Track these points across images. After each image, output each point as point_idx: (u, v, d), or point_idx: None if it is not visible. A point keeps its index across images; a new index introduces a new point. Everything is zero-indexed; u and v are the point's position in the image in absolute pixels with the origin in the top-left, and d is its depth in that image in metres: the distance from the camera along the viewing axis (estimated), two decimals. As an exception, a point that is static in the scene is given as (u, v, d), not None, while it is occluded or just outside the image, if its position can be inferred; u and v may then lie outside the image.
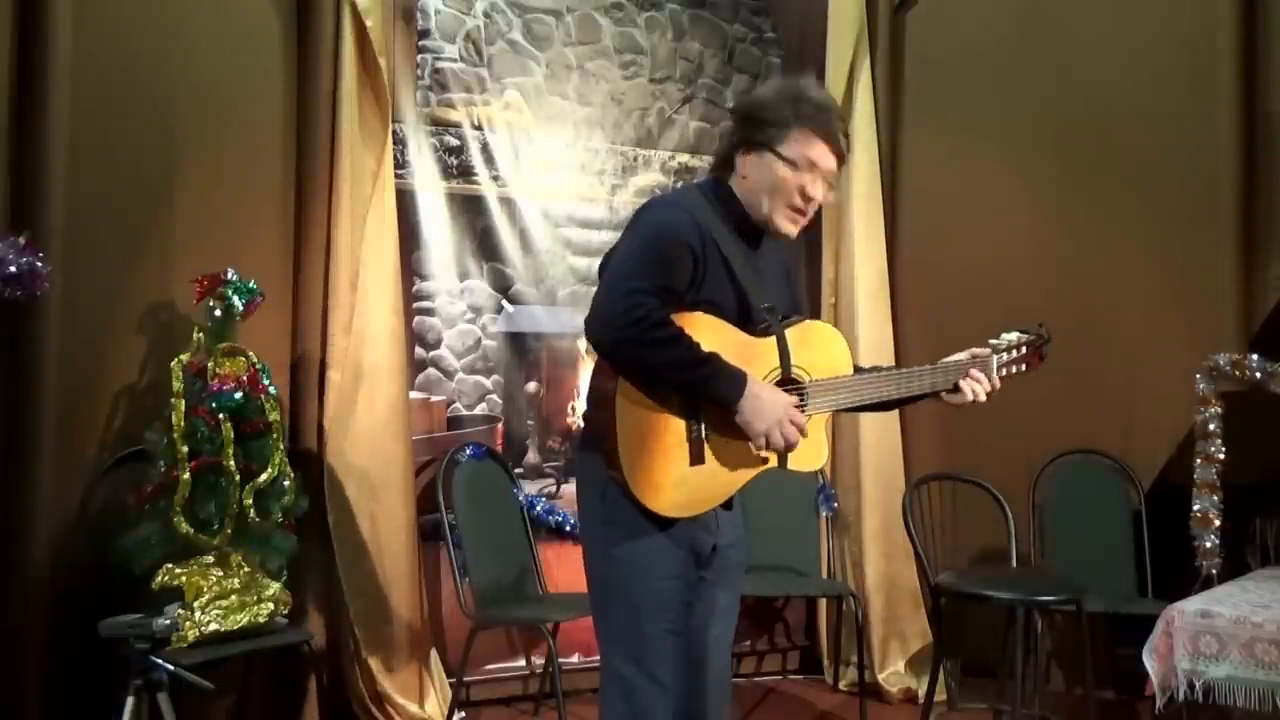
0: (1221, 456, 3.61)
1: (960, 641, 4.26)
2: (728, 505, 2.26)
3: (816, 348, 2.26)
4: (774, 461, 2.20)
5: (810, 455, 2.24)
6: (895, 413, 4.47)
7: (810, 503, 4.40)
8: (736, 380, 2.10)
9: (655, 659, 2.15)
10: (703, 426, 2.13)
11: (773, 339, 2.20)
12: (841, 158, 2.24)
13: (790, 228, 2.23)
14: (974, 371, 2.36)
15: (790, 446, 2.14)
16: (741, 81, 4.66)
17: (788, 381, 2.21)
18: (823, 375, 2.24)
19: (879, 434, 4.44)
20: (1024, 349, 2.46)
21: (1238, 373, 3.60)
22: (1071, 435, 4.17)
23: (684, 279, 2.13)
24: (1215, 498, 3.59)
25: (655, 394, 2.11)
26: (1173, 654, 2.91)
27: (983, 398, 2.36)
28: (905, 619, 4.42)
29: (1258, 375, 3.58)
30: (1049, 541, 4.15)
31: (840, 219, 4.55)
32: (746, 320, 2.19)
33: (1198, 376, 3.67)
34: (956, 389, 2.36)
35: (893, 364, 4.46)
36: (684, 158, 4.53)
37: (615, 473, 2.11)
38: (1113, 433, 4.14)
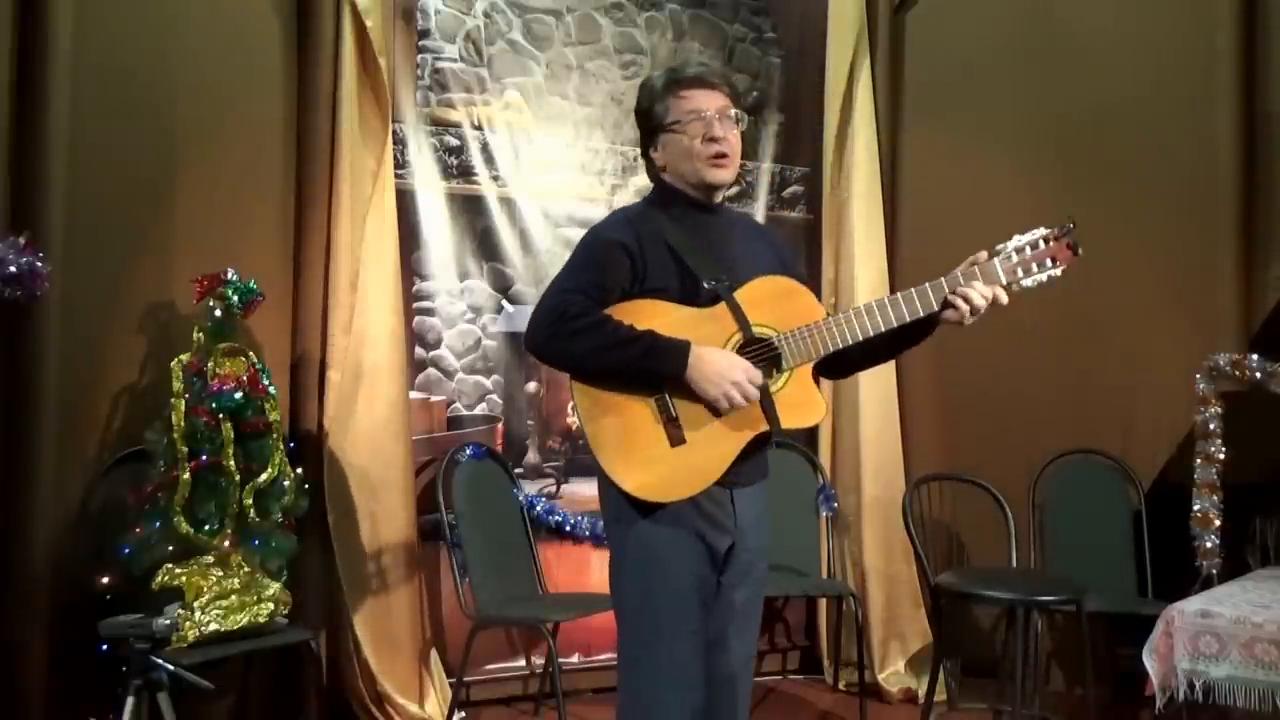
0: (1221, 456, 3.60)
1: (960, 641, 4.27)
2: (738, 483, 2.19)
3: (776, 302, 2.19)
4: (763, 424, 2.13)
5: (805, 412, 2.19)
6: (895, 411, 4.48)
7: (810, 503, 4.40)
8: (676, 350, 2.09)
9: (670, 655, 2.14)
10: (671, 406, 2.12)
11: (723, 306, 2.15)
12: (726, 93, 2.25)
13: (721, 173, 2.24)
14: (968, 282, 2.15)
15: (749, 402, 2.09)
16: (741, 81, 4.65)
17: (753, 342, 2.15)
18: (791, 327, 2.17)
19: (879, 434, 4.44)
20: (1043, 243, 2.20)
21: (1238, 373, 3.60)
22: (1071, 435, 4.17)
23: (619, 276, 2.15)
24: (1215, 498, 3.59)
25: (611, 385, 2.12)
26: (1173, 654, 2.90)
27: (980, 303, 2.14)
28: (905, 619, 4.42)
29: (1258, 375, 3.58)
30: (1049, 541, 4.15)
31: (840, 219, 4.55)
32: (696, 294, 2.17)
33: (1198, 376, 3.67)
34: (950, 305, 2.15)
35: (892, 360, 4.47)
36: (684, 158, 4.52)
37: (604, 470, 2.12)
38: (1113, 433, 4.14)
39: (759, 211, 4.64)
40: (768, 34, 4.73)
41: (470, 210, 4.16)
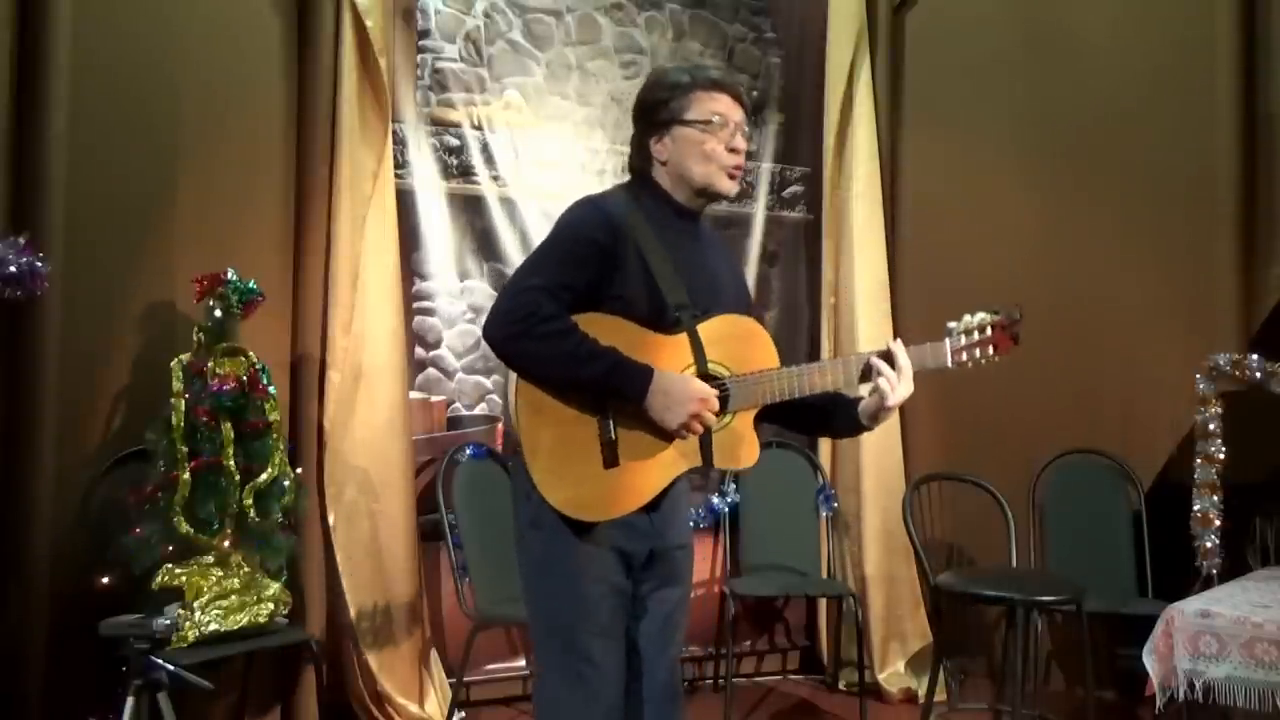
0: (1221, 456, 3.60)
1: (960, 641, 4.27)
2: (656, 506, 2.14)
3: (735, 343, 2.15)
4: (697, 460, 2.10)
5: (741, 454, 2.14)
6: (895, 412, 4.47)
7: (810, 503, 4.40)
8: (640, 373, 2.03)
9: (583, 664, 2.07)
10: (612, 427, 2.06)
11: (684, 335, 2.10)
12: (746, 108, 2.21)
13: (730, 184, 2.19)
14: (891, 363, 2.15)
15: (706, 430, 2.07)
16: (741, 81, 4.65)
17: (705, 379, 2.10)
18: (744, 370, 2.13)
19: (879, 434, 4.42)
20: (989, 329, 2.20)
21: (1238, 373, 3.60)
22: (1071, 435, 4.17)
23: (588, 275, 2.07)
24: (1215, 498, 3.59)
25: (560, 396, 2.06)
26: (1173, 654, 2.90)
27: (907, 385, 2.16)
28: (905, 619, 4.42)
29: (1258, 375, 3.59)
30: (1049, 541, 4.15)
31: (840, 219, 4.55)
32: (660, 318, 2.10)
33: (1198, 376, 3.67)
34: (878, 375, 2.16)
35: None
36: (684, 158, 4.52)
37: (531, 477, 2.06)
38: (1113, 433, 4.14)
39: (759, 211, 4.65)
40: (768, 34, 4.73)
41: (470, 210, 4.16)
